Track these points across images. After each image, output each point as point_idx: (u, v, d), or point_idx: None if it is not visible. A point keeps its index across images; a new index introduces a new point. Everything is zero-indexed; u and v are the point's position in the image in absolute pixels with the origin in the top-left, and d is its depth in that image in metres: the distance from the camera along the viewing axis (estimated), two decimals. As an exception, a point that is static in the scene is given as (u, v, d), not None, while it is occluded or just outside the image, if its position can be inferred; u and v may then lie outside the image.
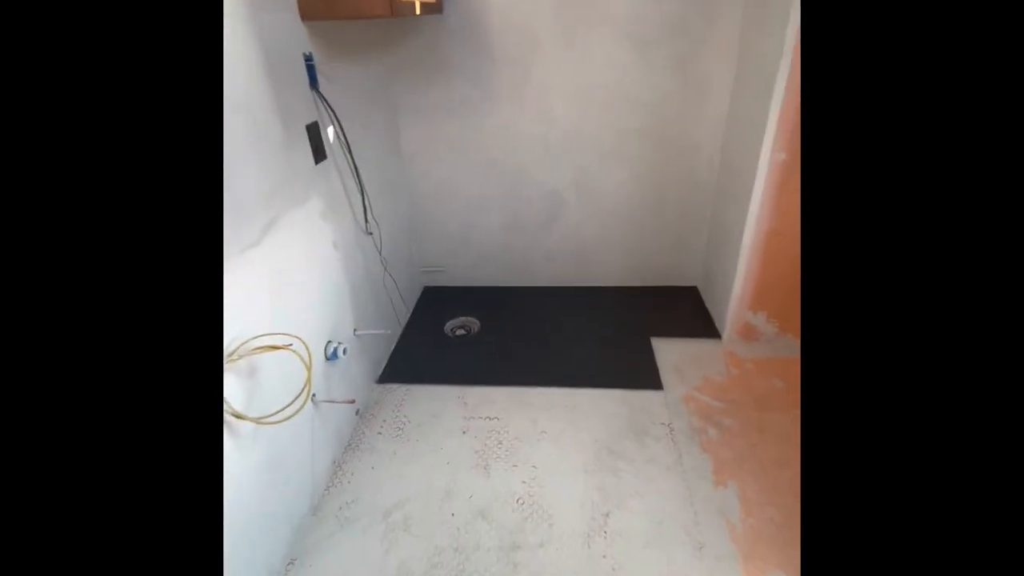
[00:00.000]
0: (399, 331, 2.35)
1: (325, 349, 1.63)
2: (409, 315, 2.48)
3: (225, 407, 1.12)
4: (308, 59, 1.50)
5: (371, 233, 1.97)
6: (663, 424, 1.79)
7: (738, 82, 2.00)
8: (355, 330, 1.85)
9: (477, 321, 2.43)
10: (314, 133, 1.55)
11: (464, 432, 1.80)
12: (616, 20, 2.00)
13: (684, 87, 2.10)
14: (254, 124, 1.25)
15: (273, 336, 1.23)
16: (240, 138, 1.20)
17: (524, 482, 1.60)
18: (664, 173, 2.31)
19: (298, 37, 1.46)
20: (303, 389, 1.27)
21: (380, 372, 2.11)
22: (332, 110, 1.60)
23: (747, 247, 1.94)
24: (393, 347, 2.26)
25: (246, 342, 1.19)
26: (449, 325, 2.42)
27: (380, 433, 1.82)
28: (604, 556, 1.38)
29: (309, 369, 1.26)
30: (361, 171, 1.81)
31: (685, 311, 2.40)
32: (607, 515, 1.49)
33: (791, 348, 2.11)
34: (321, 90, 1.55)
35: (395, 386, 2.04)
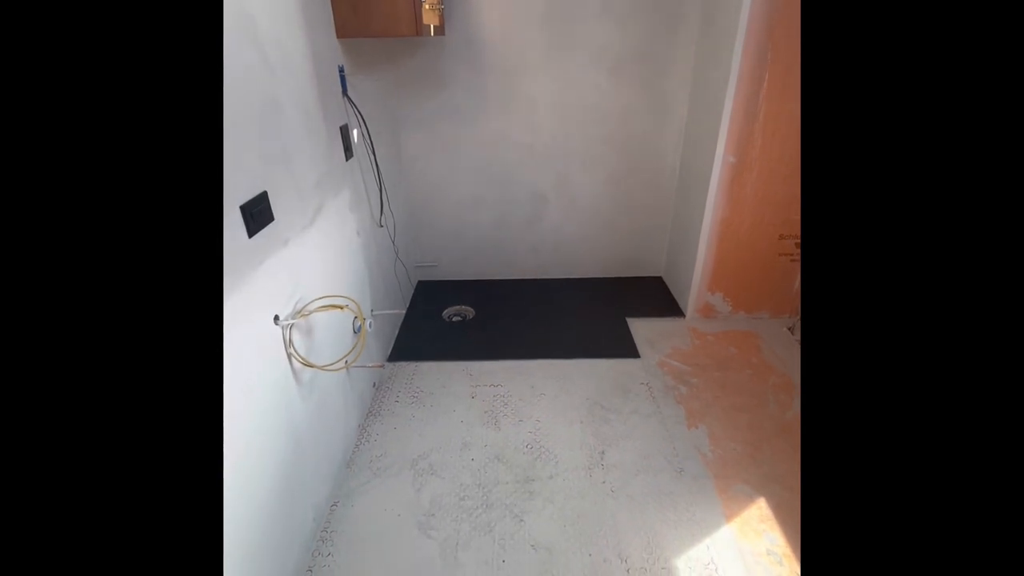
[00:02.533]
0: (402, 317, 2.57)
1: (353, 323, 1.84)
2: (408, 305, 2.71)
3: (294, 355, 1.34)
4: (341, 71, 1.76)
5: (383, 226, 2.21)
6: (643, 384, 2.10)
7: (693, 100, 2.40)
8: (372, 310, 2.07)
9: (471, 309, 2.69)
10: (345, 134, 1.79)
11: (472, 397, 2.05)
12: (592, 46, 2.36)
13: (649, 104, 2.48)
14: (309, 122, 1.49)
15: (331, 298, 1.46)
16: (302, 134, 1.43)
17: (530, 432, 1.86)
18: (632, 178, 2.68)
19: (333, 51, 1.71)
20: (356, 342, 1.50)
21: (389, 351, 2.33)
22: (360, 114, 1.85)
23: (705, 235, 2.31)
24: (398, 331, 2.48)
25: (309, 303, 1.41)
26: (446, 312, 2.67)
27: (397, 401, 2.04)
28: (604, 482, 1.66)
29: (362, 319, 1.49)
30: (381, 170, 2.06)
31: (654, 296, 2.76)
32: (603, 453, 1.77)
33: (743, 322, 2.50)
34: (350, 96, 1.80)
35: (404, 363, 2.26)
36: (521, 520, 1.54)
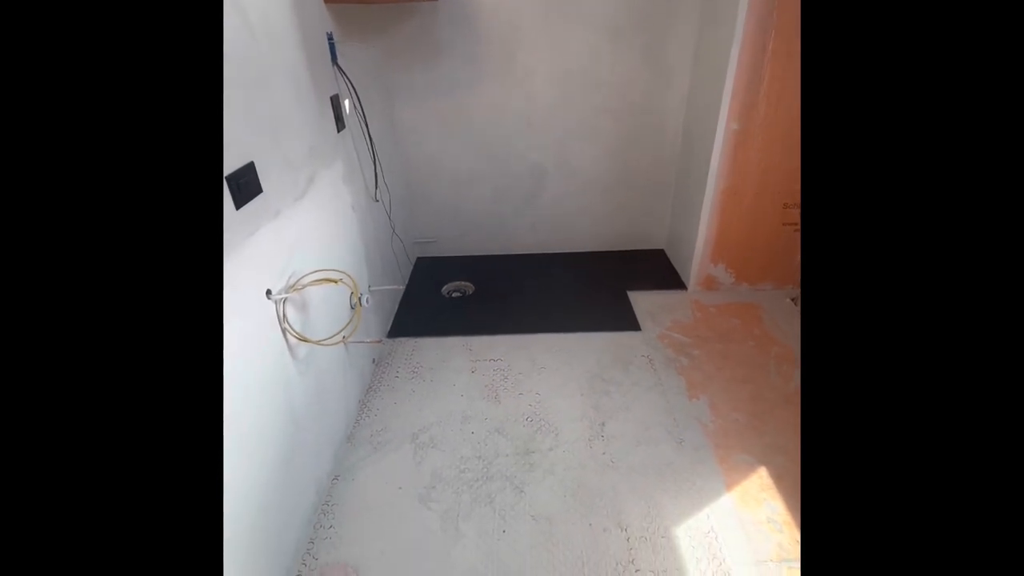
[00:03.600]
0: (401, 293, 2.55)
1: (350, 299, 1.82)
2: (406, 281, 2.68)
3: (288, 330, 1.32)
4: (330, 37, 1.69)
5: (379, 200, 2.17)
6: (644, 356, 2.09)
7: (696, 67, 2.32)
8: (369, 286, 2.05)
9: (471, 284, 2.66)
10: (336, 104, 1.74)
11: (473, 372, 2.04)
12: (591, 12, 2.27)
13: (650, 71, 2.40)
14: (297, 91, 1.44)
15: (325, 272, 1.43)
16: (289, 102, 1.39)
17: (530, 405, 1.86)
18: (633, 148, 2.61)
19: (321, 17, 1.65)
20: (351, 318, 1.48)
21: (388, 327, 2.31)
22: (352, 84, 1.79)
23: (708, 204, 2.27)
24: (397, 307, 2.46)
25: (303, 276, 1.39)
26: (445, 288, 2.64)
27: (397, 377, 2.03)
28: (604, 453, 1.66)
29: (357, 293, 1.47)
30: (374, 142, 2.01)
31: (655, 269, 2.72)
32: (603, 424, 1.77)
33: (746, 294, 2.47)
34: (340, 66, 1.74)
35: (404, 339, 2.25)
36: (521, 491, 1.55)
